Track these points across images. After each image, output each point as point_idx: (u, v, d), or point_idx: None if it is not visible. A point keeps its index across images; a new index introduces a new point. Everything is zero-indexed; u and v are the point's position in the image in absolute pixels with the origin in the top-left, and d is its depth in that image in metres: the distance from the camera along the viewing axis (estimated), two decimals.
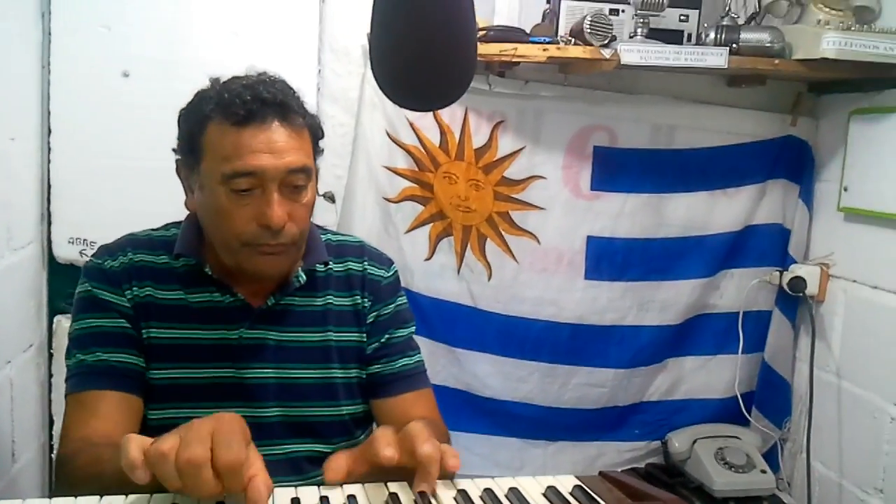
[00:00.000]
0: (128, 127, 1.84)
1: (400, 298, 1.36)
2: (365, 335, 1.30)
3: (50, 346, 1.91)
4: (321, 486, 0.89)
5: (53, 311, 1.91)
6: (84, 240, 1.86)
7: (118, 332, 1.17)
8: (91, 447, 1.03)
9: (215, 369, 1.20)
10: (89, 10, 1.81)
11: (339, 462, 0.92)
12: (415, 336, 1.36)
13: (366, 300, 1.31)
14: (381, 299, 1.32)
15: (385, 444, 0.90)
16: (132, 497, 0.82)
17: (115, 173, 1.86)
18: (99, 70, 1.83)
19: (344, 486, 0.89)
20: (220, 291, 1.21)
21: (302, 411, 1.24)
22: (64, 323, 1.86)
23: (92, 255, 1.24)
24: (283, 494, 0.85)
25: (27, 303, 1.82)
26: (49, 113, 1.83)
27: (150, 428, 1.15)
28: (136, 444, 0.78)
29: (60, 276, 1.88)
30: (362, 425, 1.32)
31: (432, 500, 0.86)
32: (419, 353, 1.35)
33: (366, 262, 1.33)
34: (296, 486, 0.87)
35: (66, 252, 1.88)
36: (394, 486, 0.88)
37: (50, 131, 1.83)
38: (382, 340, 1.31)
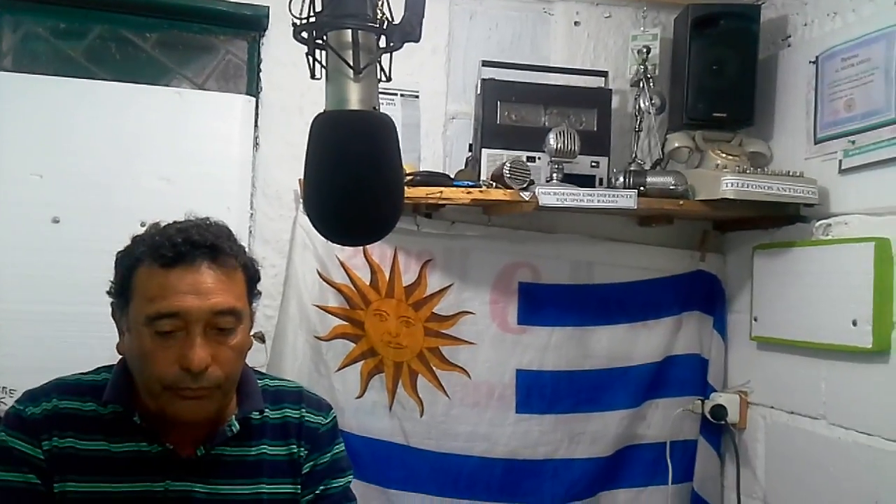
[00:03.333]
0: (56, 272, 1.83)
1: (338, 446, 1.34)
2: (300, 486, 1.26)
3: None
4: None
5: None
6: (4, 388, 1.80)
7: (25, 488, 1.13)
8: None
9: None
10: (21, 158, 1.83)
11: None
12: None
13: (302, 449, 1.27)
14: (318, 448, 1.29)
15: None
16: None
17: (40, 319, 1.82)
18: (29, 216, 1.83)
19: None
20: (147, 440, 1.17)
21: None
22: None
23: (16, 401, 1.20)
24: None
25: None
26: None
27: None
28: None
29: None
30: None
31: None
32: (356, 503, 1.32)
33: (303, 409, 1.30)
34: None
35: None
36: None
37: None
38: (317, 492, 1.28)
